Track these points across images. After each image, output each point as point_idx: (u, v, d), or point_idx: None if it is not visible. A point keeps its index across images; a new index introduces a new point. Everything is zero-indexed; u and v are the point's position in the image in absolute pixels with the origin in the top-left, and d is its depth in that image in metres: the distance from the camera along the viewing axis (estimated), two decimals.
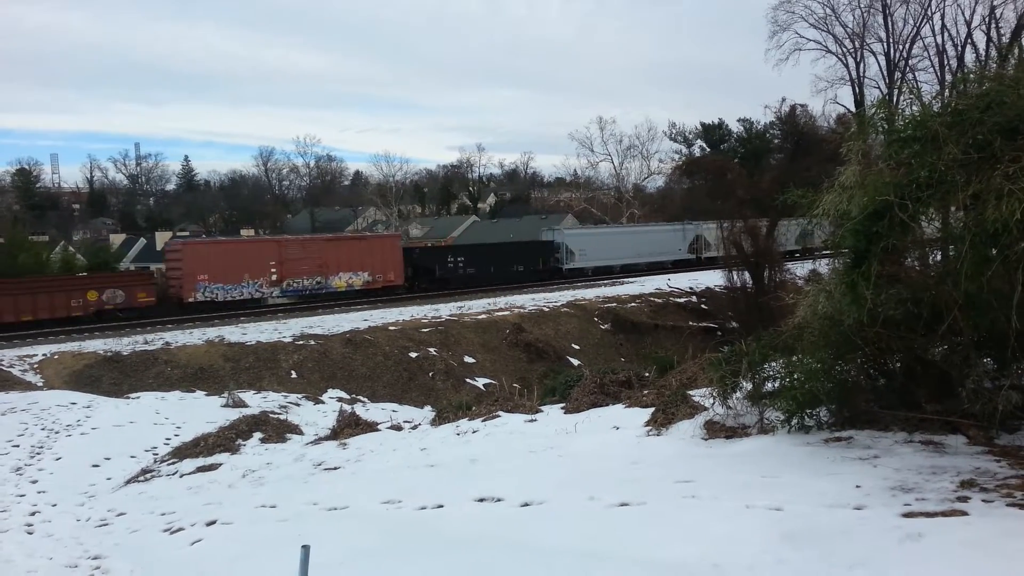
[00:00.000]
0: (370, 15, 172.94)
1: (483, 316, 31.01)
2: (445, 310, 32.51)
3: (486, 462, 8.55)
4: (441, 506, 7.00)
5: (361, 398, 22.24)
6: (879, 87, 37.61)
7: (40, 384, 20.85)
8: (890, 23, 37.01)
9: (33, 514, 10.12)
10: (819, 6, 38.49)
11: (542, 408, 11.56)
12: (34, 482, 11.74)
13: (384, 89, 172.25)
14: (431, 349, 26.77)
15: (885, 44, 37.50)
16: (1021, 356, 5.76)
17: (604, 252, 48.28)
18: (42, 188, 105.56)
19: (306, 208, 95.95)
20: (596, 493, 6.23)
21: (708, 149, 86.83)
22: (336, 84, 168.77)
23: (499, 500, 6.74)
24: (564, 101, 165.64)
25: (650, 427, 8.36)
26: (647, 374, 13.49)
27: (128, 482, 11.78)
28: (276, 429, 13.92)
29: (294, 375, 23.76)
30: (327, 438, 12.50)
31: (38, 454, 13.34)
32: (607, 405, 10.63)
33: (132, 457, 13.43)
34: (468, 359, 27.09)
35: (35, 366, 22.33)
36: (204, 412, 17.26)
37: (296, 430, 14.30)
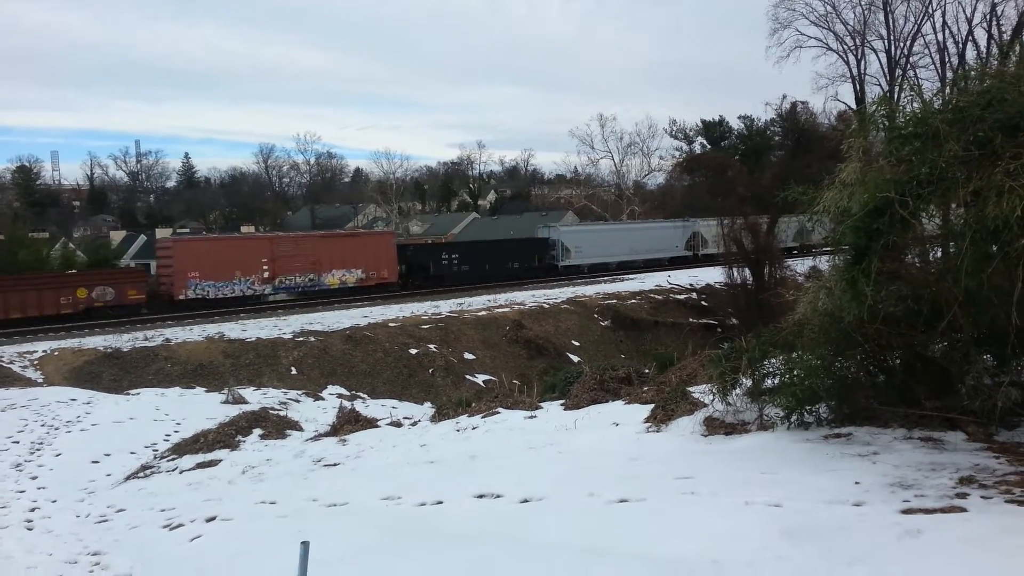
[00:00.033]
0: (370, 13, 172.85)
1: (483, 313, 31.00)
2: (445, 307, 32.50)
3: (486, 458, 8.55)
4: (441, 502, 7.00)
5: (361, 394, 22.25)
6: (880, 84, 37.65)
7: (40, 380, 20.85)
8: (891, 20, 37.05)
9: (33, 510, 10.14)
10: (820, 3, 38.56)
11: (542, 404, 11.57)
12: (34, 478, 11.75)
13: (384, 86, 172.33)
14: (431, 345, 26.78)
15: (886, 41, 37.55)
16: (1021, 353, 5.75)
17: (600, 249, 48.02)
18: (42, 185, 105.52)
19: (306, 205, 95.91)
20: (596, 489, 6.23)
21: (709, 146, 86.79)
22: (336, 81, 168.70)
23: (499, 496, 6.74)
24: (564, 99, 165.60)
25: (650, 423, 8.36)
26: (647, 370, 13.50)
27: (128, 478, 11.79)
28: (276, 425, 13.93)
29: (294, 371, 23.76)
30: (327, 434, 12.51)
31: (38, 450, 13.35)
32: (607, 401, 10.64)
33: (132, 453, 13.45)
34: (468, 356, 27.09)
35: (35, 362, 22.33)
36: (204, 408, 17.27)
37: (296, 426, 14.31)
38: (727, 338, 10.09)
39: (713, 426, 7.51)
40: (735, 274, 33.57)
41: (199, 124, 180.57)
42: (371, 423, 12.90)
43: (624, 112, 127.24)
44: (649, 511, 5.60)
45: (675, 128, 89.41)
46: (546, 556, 5.06)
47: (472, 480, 7.42)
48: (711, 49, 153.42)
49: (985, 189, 5.29)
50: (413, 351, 26.11)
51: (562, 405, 11.09)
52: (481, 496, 6.86)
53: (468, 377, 25.45)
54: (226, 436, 13.02)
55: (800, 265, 32.45)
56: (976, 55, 33.64)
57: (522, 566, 5.00)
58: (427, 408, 17.44)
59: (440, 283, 40.57)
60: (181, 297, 32.52)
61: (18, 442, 13.79)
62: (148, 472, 11.91)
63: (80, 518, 9.71)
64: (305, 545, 4.75)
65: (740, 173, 43.19)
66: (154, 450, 13.64)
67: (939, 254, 6.92)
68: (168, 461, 12.35)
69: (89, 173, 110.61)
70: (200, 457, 12.09)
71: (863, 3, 37.65)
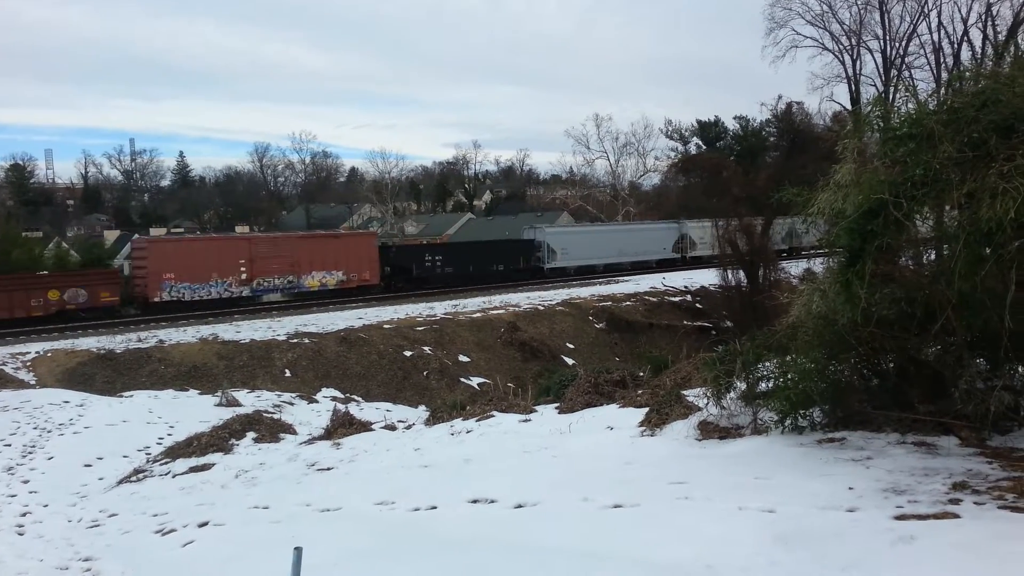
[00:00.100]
0: (369, 11, 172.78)
1: (478, 315, 30.98)
2: (440, 308, 32.47)
3: (480, 462, 8.52)
4: (435, 507, 6.97)
5: (355, 397, 22.21)
6: (875, 85, 37.76)
7: (33, 382, 20.77)
8: (887, 20, 37.17)
9: (24, 515, 10.07)
10: (816, 3, 38.70)
11: (536, 408, 11.53)
12: (25, 482, 11.68)
13: (381, 85, 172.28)
14: (426, 348, 26.74)
15: (881, 41, 37.68)
16: (1014, 357, 5.75)
17: (587, 251, 47.69)
18: (36, 184, 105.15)
19: (301, 205, 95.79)
20: (590, 494, 6.21)
21: (704, 147, 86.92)
22: (333, 80, 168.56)
23: (493, 501, 6.72)
24: (561, 98, 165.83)
25: (644, 427, 8.34)
26: (641, 374, 13.48)
27: (120, 482, 11.73)
28: (270, 429, 13.88)
29: (288, 374, 23.71)
30: (321, 438, 12.47)
31: (30, 453, 13.28)
32: (601, 405, 10.61)
33: (125, 457, 13.38)
34: (463, 358, 27.06)
35: (28, 364, 22.24)
36: (197, 411, 17.21)
37: (290, 430, 14.25)
38: (721, 341, 10.10)
39: (707, 430, 7.49)
40: (729, 276, 33.60)
41: (195, 122, 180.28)
42: (365, 426, 12.86)
43: (620, 112, 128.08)
44: (643, 516, 5.58)
45: (671, 128, 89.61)
46: (541, 561, 5.04)
47: (466, 484, 7.39)
48: (709, 46, 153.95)
49: (979, 191, 5.28)
50: (408, 353, 26.08)
51: (556, 408, 11.06)
52: (475, 501, 6.83)
53: (463, 380, 25.42)
54: (219, 439, 12.96)
55: (795, 267, 32.53)
56: (971, 56, 33.80)
57: (517, 571, 4.98)
58: (421, 411, 17.39)
59: (423, 285, 40.03)
60: (156, 299, 31.85)
61: (10, 445, 13.72)
62: (141, 476, 11.85)
63: (72, 523, 9.65)
64: (298, 551, 4.73)
65: (735, 174, 43.22)
66: (147, 453, 13.58)
67: (933, 256, 6.91)
68: (161, 465, 12.29)
69: (83, 172, 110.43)
70: (193, 461, 12.04)
71: (859, 3, 37.83)
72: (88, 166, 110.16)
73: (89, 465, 12.79)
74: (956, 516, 4.54)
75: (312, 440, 12.50)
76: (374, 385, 24.13)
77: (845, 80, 39.15)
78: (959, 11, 34.93)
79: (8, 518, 9.88)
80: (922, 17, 35.89)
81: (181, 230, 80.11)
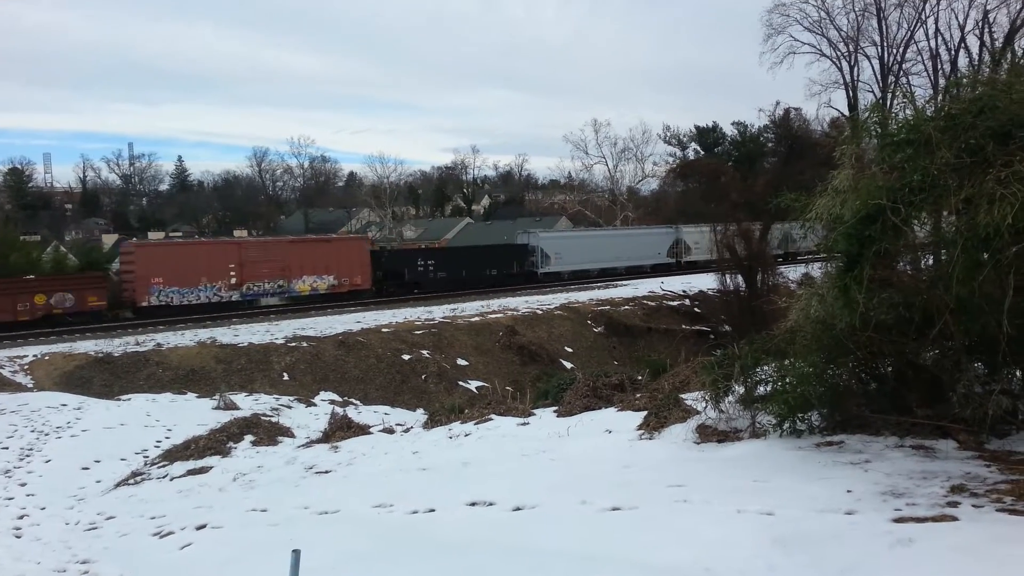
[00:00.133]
0: (368, 17, 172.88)
1: (476, 318, 30.98)
2: (438, 312, 32.45)
3: (478, 466, 8.52)
4: (433, 510, 6.97)
5: (353, 401, 22.18)
6: (873, 91, 37.82)
7: (30, 385, 20.74)
8: (884, 27, 37.25)
9: (21, 517, 10.05)
10: (813, 9, 38.71)
11: (535, 411, 11.54)
12: (23, 485, 11.66)
13: (380, 90, 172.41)
14: (424, 351, 26.73)
15: (879, 48, 37.75)
16: (1012, 361, 5.77)
17: (581, 256, 47.47)
18: (34, 188, 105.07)
19: (300, 209, 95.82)
20: (588, 497, 6.21)
21: (702, 152, 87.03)
22: (332, 85, 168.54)
23: (491, 504, 6.72)
24: (560, 103, 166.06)
25: (643, 431, 8.35)
26: (640, 377, 13.49)
27: (118, 485, 11.71)
28: (267, 432, 13.86)
29: (286, 377, 23.69)
30: (319, 441, 12.46)
31: (27, 456, 13.25)
32: (600, 408, 10.63)
33: (122, 460, 13.36)
34: (461, 362, 27.06)
35: (25, 367, 22.21)
36: (195, 414, 17.20)
37: (288, 433, 14.24)
38: (720, 345, 10.10)
39: (706, 433, 7.50)
40: (728, 281, 33.64)
41: (194, 127, 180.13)
42: (363, 430, 12.85)
43: (618, 117, 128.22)
44: (642, 519, 5.59)
45: (669, 134, 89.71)
46: (539, 564, 5.04)
47: (465, 487, 7.39)
48: (707, 52, 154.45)
49: (976, 196, 5.31)
50: (406, 357, 26.07)
51: (555, 412, 11.07)
52: (474, 504, 6.84)
53: (461, 383, 25.40)
54: (217, 443, 12.95)
55: (793, 272, 32.59)
56: (968, 62, 33.86)
57: (515, 574, 4.99)
58: (420, 414, 17.40)
59: (416, 290, 39.71)
60: (144, 304, 31.49)
61: (7, 448, 13.69)
62: (138, 479, 11.83)
63: (69, 526, 9.64)
64: (296, 553, 4.73)
65: (733, 179, 43.36)
66: (145, 456, 13.56)
67: (931, 261, 6.94)
68: (159, 468, 12.27)
69: (81, 176, 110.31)
70: (191, 464, 12.02)
71: (856, 9, 37.89)
72: (86, 170, 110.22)
73: (87, 468, 12.77)
74: (954, 519, 4.55)
75: (310, 443, 12.48)
76: (372, 389, 24.12)
77: (843, 86, 39.24)
78: (956, 18, 35.05)
79: (5, 521, 9.86)
80: (919, 24, 36.02)
81: (179, 234, 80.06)
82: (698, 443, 7.39)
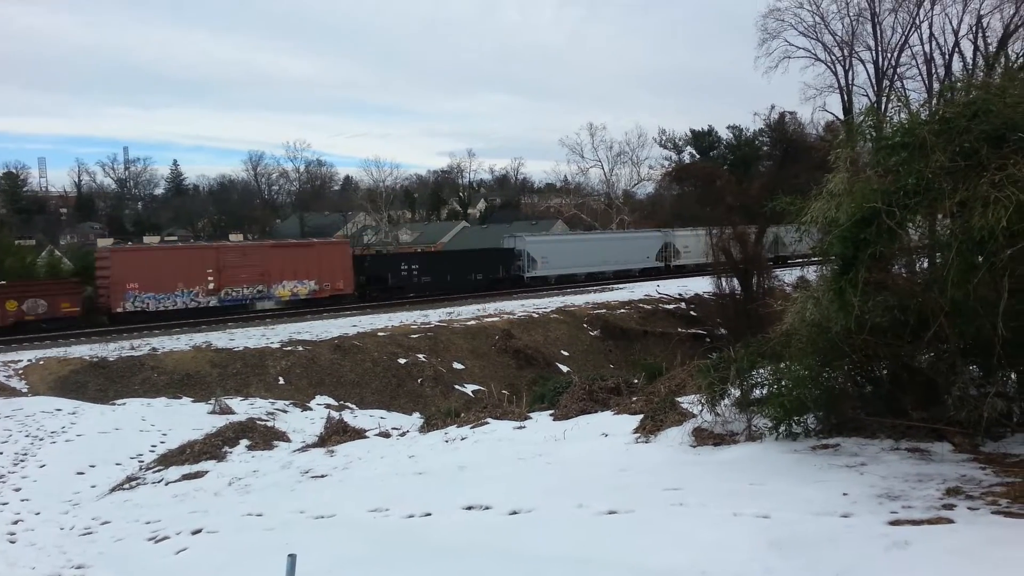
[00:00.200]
0: (364, 22, 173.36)
1: (472, 322, 30.97)
2: (434, 316, 32.44)
3: (475, 469, 8.52)
4: (429, 514, 6.96)
5: (349, 405, 22.15)
6: (867, 95, 37.98)
7: (25, 390, 20.65)
8: (879, 31, 37.42)
9: (16, 522, 10.02)
10: (808, 14, 38.87)
11: (531, 415, 11.54)
12: (17, 490, 11.62)
13: (376, 94, 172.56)
14: (420, 355, 26.71)
15: (874, 52, 37.91)
16: (1007, 363, 5.78)
17: (568, 260, 47.15)
18: (29, 192, 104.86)
19: (295, 213, 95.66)
20: (585, 500, 6.21)
21: (698, 156, 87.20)
22: (328, 89, 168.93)
23: (487, 508, 6.71)
24: (556, 107, 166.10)
25: (639, 434, 8.36)
26: (636, 381, 13.49)
27: (113, 490, 11.68)
28: (263, 436, 13.84)
29: (282, 381, 23.64)
30: (314, 445, 12.44)
31: (22, 461, 13.21)
32: (596, 412, 10.63)
33: (117, 464, 13.33)
34: (457, 365, 27.03)
35: (20, 372, 22.12)
36: (190, 419, 17.15)
37: (283, 437, 14.22)
38: (716, 348, 10.11)
39: (702, 437, 7.51)
40: (723, 284, 33.68)
41: (189, 131, 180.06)
42: (359, 434, 12.84)
43: (614, 121, 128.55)
44: (638, 522, 5.58)
45: (664, 138, 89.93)
46: (536, 568, 5.04)
47: (461, 491, 7.38)
48: (703, 56, 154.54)
49: (971, 200, 5.33)
50: (402, 361, 26.03)
51: (551, 415, 11.06)
52: (470, 508, 6.83)
53: (457, 387, 25.38)
54: (212, 447, 12.93)
55: (788, 275, 32.63)
56: (962, 66, 34.03)
57: None
58: (416, 418, 17.38)
59: (399, 295, 39.30)
60: (119, 310, 30.94)
61: (2, 453, 13.65)
62: (133, 484, 11.80)
63: (64, 530, 9.60)
64: (292, 558, 4.72)
65: (728, 183, 43.38)
66: (140, 461, 13.53)
67: (925, 264, 6.96)
68: (154, 472, 12.24)
69: (77, 180, 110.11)
70: (186, 468, 12.00)
71: (851, 14, 38.07)
72: (82, 174, 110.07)
73: (81, 473, 12.73)
74: (950, 521, 4.55)
75: (306, 447, 12.46)
76: (368, 392, 24.08)
77: (837, 90, 39.41)
78: (950, 23, 35.21)
79: (0, 526, 9.82)
80: (913, 28, 36.18)
81: (174, 238, 79.98)
82: (694, 446, 7.39)
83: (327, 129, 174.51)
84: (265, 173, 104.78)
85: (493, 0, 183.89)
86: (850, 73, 39.04)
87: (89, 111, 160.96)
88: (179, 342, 26.32)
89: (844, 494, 5.25)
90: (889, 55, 37.44)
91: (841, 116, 37.63)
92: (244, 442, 13.29)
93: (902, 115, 6.65)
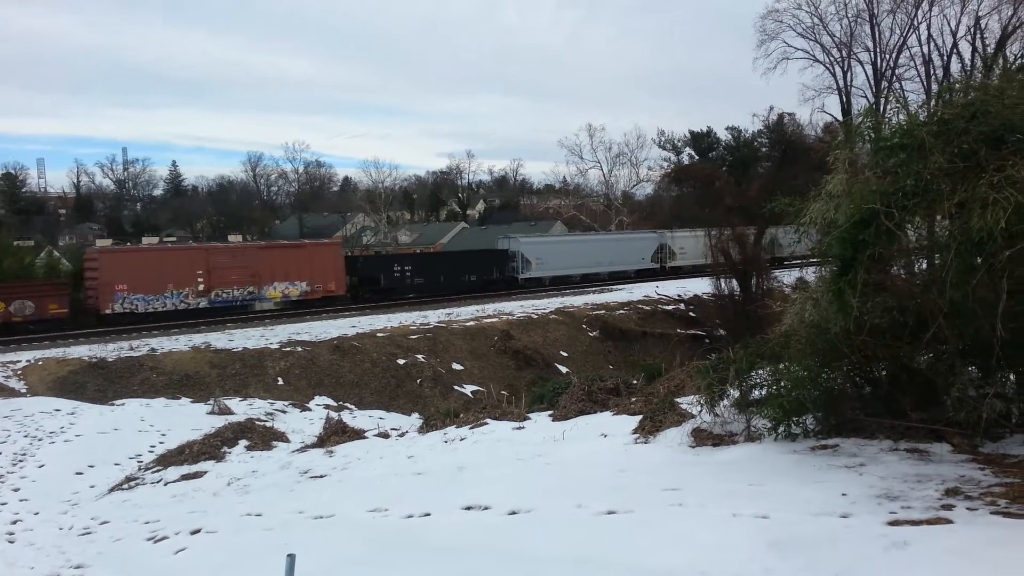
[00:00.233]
0: (363, 23, 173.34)
1: (471, 323, 30.97)
2: (433, 317, 32.45)
3: (474, 470, 8.52)
4: (428, 514, 6.96)
5: (348, 405, 22.15)
6: (866, 96, 37.99)
7: (23, 391, 20.63)
8: (877, 33, 37.43)
9: (15, 522, 10.02)
10: (807, 16, 38.88)
11: (530, 415, 11.54)
12: (16, 490, 11.62)
13: (375, 95, 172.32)
14: (419, 356, 26.71)
15: (872, 53, 37.93)
16: (1005, 364, 5.79)
17: (562, 261, 46.85)
18: (28, 193, 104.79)
19: (295, 214, 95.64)
20: (584, 501, 6.21)
21: (696, 157, 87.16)
22: (327, 90, 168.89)
23: (487, 508, 6.71)
24: (555, 108, 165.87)
25: (638, 435, 8.36)
26: (635, 381, 13.50)
27: (112, 490, 11.68)
28: (262, 436, 13.84)
29: (281, 382, 23.63)
30: (313, 446, 12.44)
31: (20, 462, 13.20)
32: (595, 412, 10.63)
33: (116, 464, 13.32)
34: (456, 366, 27.03)
35: (18, 372, 22.10)
36: (189, 419, 17.15)
37: (282, 437, 14.22)
38: (715, 349, 10.13)
39: (701, 437, 7.51)
40: (722, 285, 33.67)
41: (188, 131, 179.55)
42: (358, 434, 12.84)
43: (613, 122, 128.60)
44: (637, 523, 5.59)
45: (663, 139, 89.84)
46: (535, 568, 5.04)
47: (460, 492, 7.38)
48: (702, 57, 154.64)
49: (970, 201, 5.34)
50: (401, 361, 26.03)
51: (550, 416, 11.07)
52: (469, 508, 6.83)
53: (456, 388, 25.38)
54: (211, 447, 12.92)
55: (787, 276, 32.62)
56: (961, 68, 34.08)
57: None
58: (415, 419, 17.38)
59: (392, 296, 39.05)
60: (108, 311, 30.69)
61: (1, 453, 13.64)
62: (132, 484, 11.80)
63: (63, 531, 9.60)
64: (291, 558, 4.72)
65: (727, 184, 43.35)
66: (139, 461, 13.52)
67: (924, 266, 6.97)
68: (153, 473, 12.24)
69: (75, 181, 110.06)
70: (185, 469, 11.99)
71: (849, 15, 38.09)
72: (80, 175, 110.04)
73: (80, 473, 12.72)
74: (949, 522, 4.56)
75: (305, 448, 12.46)
76: (367, 393, 24.07)
77: (836, 91, 39.43)
78: (948, 24, 35.25)
79: None
80: (912, 30, 36.20)
81: (173, 239, 79.94)
82: (693, 447, 7.40)
83: (326, 130, 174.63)
84: (264, 174, 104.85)
85: (493, 1, 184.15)
86: (848, 74, 39.11)
87: (88, 112, 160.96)
88: (178, 343, 26.31)
89: (843, 494, 5.26)
90: (887, 56, 37.49)
91: (840, 117, 37.66)
92: (243, 442, 13.29)
93: (901, 116, 6.67)
